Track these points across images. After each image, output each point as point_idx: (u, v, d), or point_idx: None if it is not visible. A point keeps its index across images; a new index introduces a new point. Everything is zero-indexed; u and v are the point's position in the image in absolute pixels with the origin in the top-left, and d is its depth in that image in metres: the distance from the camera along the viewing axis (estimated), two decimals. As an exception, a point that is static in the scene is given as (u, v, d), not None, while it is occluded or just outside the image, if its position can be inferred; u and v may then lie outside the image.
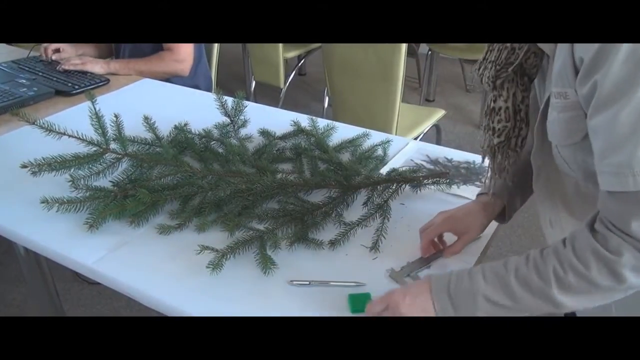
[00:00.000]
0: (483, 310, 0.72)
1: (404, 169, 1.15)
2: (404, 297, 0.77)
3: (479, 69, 0.82)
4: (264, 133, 1.34)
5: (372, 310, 0.80)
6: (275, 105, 1.95)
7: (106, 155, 1.10)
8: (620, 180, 0.60)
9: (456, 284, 0.74)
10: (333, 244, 0.98)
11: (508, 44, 0.76)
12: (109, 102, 1.58)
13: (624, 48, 0.58)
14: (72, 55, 1.89)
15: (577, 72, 0.64)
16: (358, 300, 0.85)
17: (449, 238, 0.96)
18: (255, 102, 1.66)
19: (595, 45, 0.60)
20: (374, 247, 0.97)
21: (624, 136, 0.58)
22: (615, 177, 0.60)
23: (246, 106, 1.33)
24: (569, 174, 0.75)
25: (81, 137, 1.08)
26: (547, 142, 0.75)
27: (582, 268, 0.64)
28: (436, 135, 2.47)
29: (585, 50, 0.61)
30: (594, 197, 0.69)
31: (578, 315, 0.86)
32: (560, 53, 0.66)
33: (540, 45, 0.72)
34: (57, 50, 1.88)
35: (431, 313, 0.75)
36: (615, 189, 0.61)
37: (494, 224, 1.02)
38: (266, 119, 1.41)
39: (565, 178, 0.77)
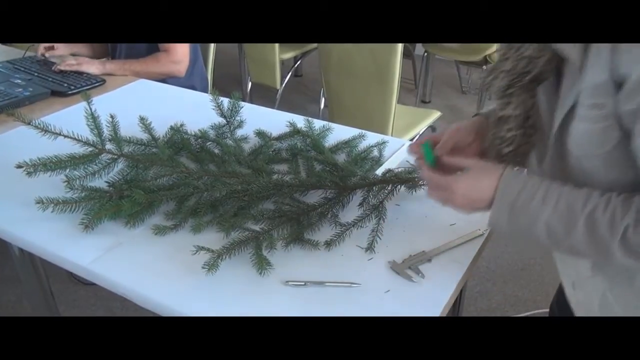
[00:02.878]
0: (536, 234, 0.72)
1: (399, 170, 1.16)
2: (464, 200, 0.78)
3: (487, 77, 0.80)
4: (260, 134, 1.34)
5: (431, 195, 0.82)
6: (272, 106, 1.95)
7: (102, 155, 1.10)
8: None
9: (524, 202, 0.72)
10: (329, 244, 0.98)
11: (526, 55, 0.73)
12: (104, 103, 1.58)
13: None
14: (65, 54, 1.89)
15: (618, 85, 0.62)
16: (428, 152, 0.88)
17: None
18: (251, 103, 1.66)
19: None
20: (370, 247, 0.98)
21: None
22: None
23: (242, 107, 1.34)
24: (582, 184, 0.73)
25: (77, 137, 1.08)
26: (564, 152, 0.73)
27: None
28: (432, 136, 2.47)
29: (633, 67, 0.60)
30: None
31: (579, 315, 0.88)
32: (595, 64, 0.64)
33: (568, 54, 0.68)
34: (51, 48, 1.88)
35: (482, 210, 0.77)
36: None
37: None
38: (262, 120, 1.41)
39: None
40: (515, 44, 0.74)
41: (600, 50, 0.63)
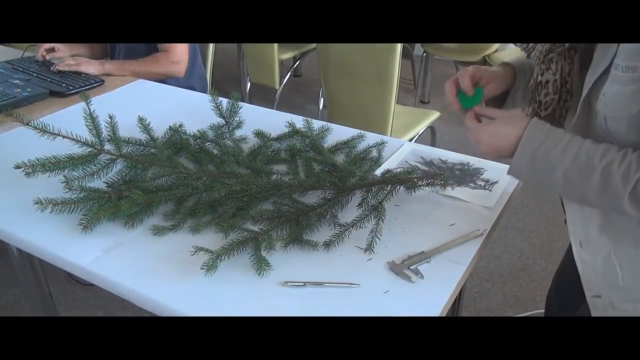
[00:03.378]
0: (552, 181, 0.77)
1: (398, 170, 1.16)
2: (488, 147, 0.84)
3: (527, 45, 0.85)
4: (259, 134, 1.34)
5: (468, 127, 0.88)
6: (270, 106, 1.95)
7: (100, 156, 1.10)
8: None
9: (546, 151, 0.77)
10: (328, 245, 0.98)
11: None
12: (103, 103, 1.58)
13: None
14: (66, 56, 1.89)
15: None
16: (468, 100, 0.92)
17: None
18: (250, 103, 1.66)
19: None
20: (369, 248, 0.98)
21: None
22: None
23: (241, 107, 1.33)
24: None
25: (75, 138, 1.08)
26: (590, 113, 0.78)
27: None
28: (431, 137, 2.47)
29: None
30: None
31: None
32: None
33: None
34: (52, 50, 1.88)
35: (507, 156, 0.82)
36: None
37: (488, 223, 1.03)
38: (261, 120, 1.41)
39: None
40: None
41: None
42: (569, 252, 0.98)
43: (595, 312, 0.90)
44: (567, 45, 0.79)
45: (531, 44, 0.85)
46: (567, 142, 0.76)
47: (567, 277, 1.04)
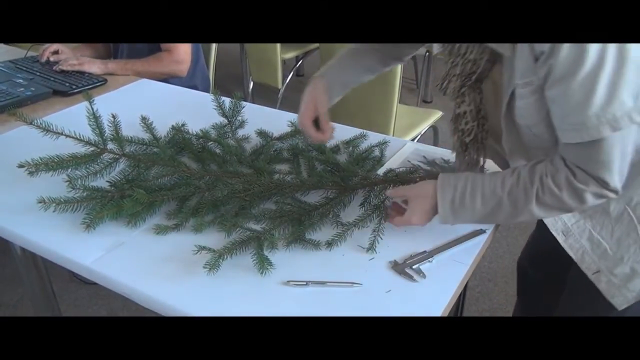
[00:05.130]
0: (478, 218, 0.90)
1: (401, 170, 1.16)
2: (426, 219, 0.95)
3: (442, 83, 0.97)
4: (262, 134, 1.34)
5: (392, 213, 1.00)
6: (273, 106, 1.95)
7: (103, 155, 1.10)
8: (579, 134, 0.78)
9: (459, 199, 0.90)
10: (330, 244, 0.98)
11: (470, 58, 0.90)
12: (106, 103, 1.58)
13: None
14: (69, 57, 1.89)
15: (536, 60, 0.78)
16: None
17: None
18: (253, 103, 1.66)
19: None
20: (371, 247, 0.98)
21: (576, 102, 0.75)
22: (575, 132, 0.78)
23: (244, 107, 1.34)
24: (537, 147, 0.90)
25: (78, 137, 1.08)
26: (514, 128, 0.90)
27: (557, 191, 0.83)
28: (433, 136, 2.47)
29: (544, 45, 0.76)
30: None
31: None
32: (521, 53, 0.80)
33: (500, 49, 0.85)
34: (56, 52, 1.88)
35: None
36: (575, 140, 0.79)
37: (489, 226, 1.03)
38: (264, 120, 1.41)
39: (532, 152, 0.93)
40: (461, 51, 0.91)
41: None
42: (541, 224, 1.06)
43: (600, 285, 0.96)
44: (474, 78, 0.92)
45: (445, 84, 0.96)
46: (471, 184, 0.89)
47: (543, 247, 1.12)
